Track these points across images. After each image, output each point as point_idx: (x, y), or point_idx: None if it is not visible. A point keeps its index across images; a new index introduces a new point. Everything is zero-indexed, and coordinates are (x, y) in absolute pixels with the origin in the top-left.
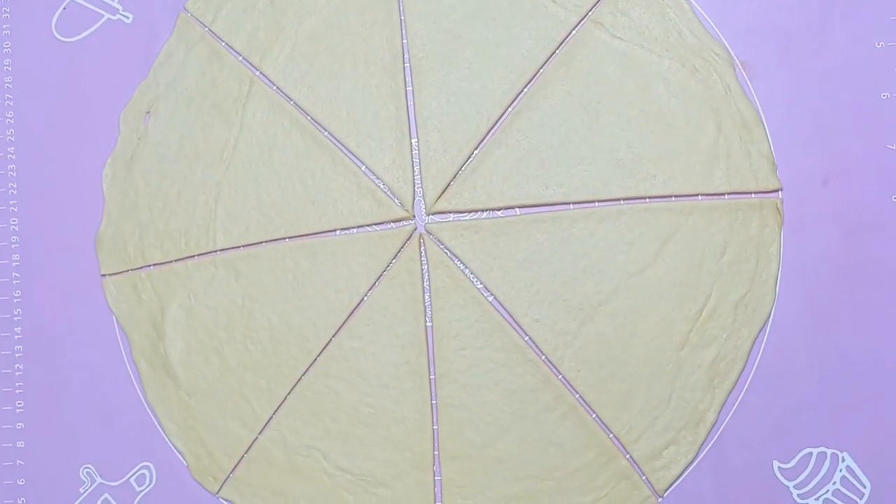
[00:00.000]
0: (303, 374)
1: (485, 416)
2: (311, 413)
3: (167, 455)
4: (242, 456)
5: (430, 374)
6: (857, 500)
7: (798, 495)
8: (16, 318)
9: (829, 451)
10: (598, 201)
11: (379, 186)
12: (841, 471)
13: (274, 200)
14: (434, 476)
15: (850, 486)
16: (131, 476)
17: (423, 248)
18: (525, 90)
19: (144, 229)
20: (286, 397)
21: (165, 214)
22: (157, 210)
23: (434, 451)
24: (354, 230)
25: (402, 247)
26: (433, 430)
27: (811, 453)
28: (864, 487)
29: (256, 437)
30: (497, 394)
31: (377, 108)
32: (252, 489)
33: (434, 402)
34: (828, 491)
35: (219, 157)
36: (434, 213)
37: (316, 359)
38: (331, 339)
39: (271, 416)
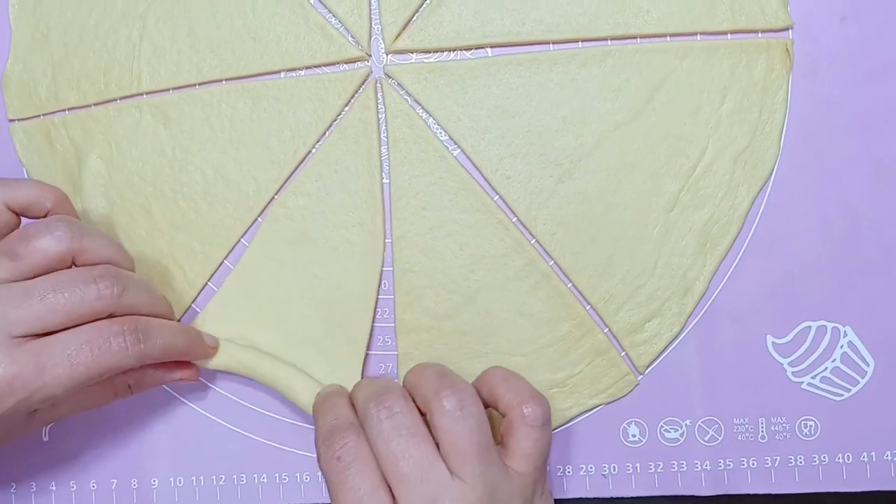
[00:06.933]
0: (242, 236)
1: (447, 284)
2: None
3: None
4: None
5: (385, 237)
6: (859, 378)
7: (792, 373)
8: None
9: (829, 325)
10: (582, 41)
11: (330, 21)
12: (842, 347)
13: (208, 35)
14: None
15: (852, 364)
16: None
17: (380, 93)
18: None
19: (58, 67)
20: (223, 261)
21: (82, 50)
22: (73, 45)
23: (372, 322)
24: (301, 72)
25: (356, 91)
26: (376, 300)
27: (810, 327)
28: (867, 365)
29: (190, 306)
30: (461, 259)
31: None
32: None
33: (389, 268)
34: (826, 369)
35: None
36: (393, 53)
37: (257, 218)
38: (273, 197)
39: (206, 283)
